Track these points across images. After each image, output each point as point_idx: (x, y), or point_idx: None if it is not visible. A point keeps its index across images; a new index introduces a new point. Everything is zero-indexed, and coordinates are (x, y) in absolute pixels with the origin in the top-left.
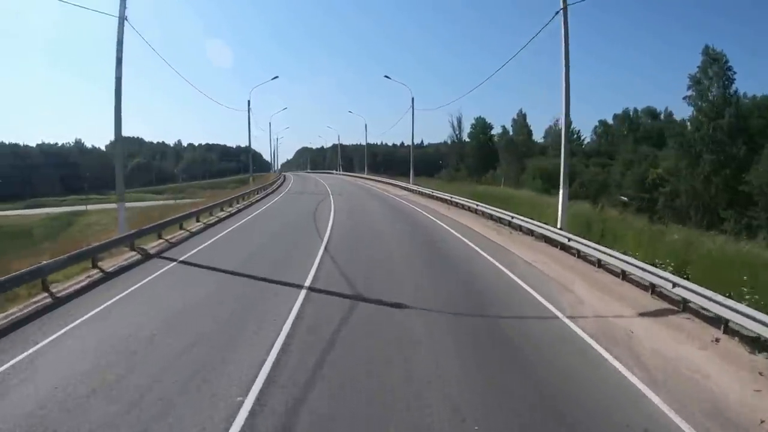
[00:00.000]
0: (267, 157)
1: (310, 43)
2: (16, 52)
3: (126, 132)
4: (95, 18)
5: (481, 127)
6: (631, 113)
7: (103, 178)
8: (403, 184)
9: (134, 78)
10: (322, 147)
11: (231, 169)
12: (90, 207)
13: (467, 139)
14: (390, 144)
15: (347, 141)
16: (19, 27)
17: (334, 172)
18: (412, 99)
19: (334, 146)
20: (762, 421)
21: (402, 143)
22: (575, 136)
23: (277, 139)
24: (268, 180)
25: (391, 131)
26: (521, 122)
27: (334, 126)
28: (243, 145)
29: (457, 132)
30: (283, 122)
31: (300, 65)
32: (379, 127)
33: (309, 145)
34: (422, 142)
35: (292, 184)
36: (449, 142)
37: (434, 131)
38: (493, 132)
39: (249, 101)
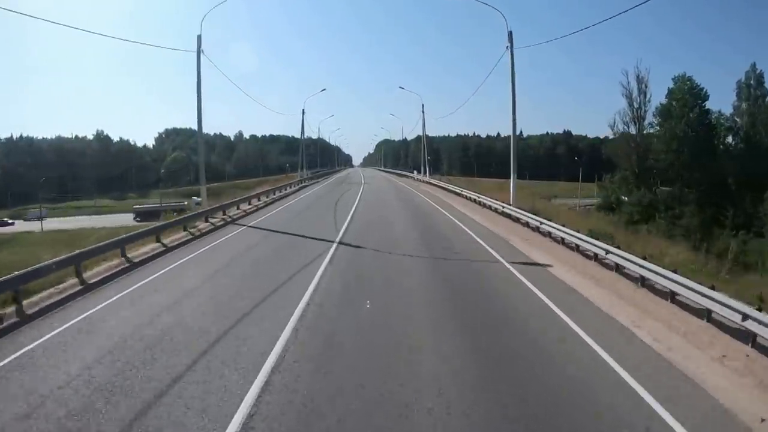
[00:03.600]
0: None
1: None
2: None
3: (175, 123)
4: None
5: (688, 95)
6: None
7: (127, 176)
8: None
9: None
10: (405, 139)
11: (293, 163)
12: (59, 220)
13: (654, 118)
14: (483, 135)
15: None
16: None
17: (414, 174)
18: None
19: (418, 138)
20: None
21: (498, 134)
22: None
23: (318, 127)
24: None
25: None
26: (755, 87)
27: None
28: (313, 137)
29: (638, 101)
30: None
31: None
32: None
33: (389, 137)
34: (521, 132)
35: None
36: (617, 124)
37: (532, 120)
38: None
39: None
